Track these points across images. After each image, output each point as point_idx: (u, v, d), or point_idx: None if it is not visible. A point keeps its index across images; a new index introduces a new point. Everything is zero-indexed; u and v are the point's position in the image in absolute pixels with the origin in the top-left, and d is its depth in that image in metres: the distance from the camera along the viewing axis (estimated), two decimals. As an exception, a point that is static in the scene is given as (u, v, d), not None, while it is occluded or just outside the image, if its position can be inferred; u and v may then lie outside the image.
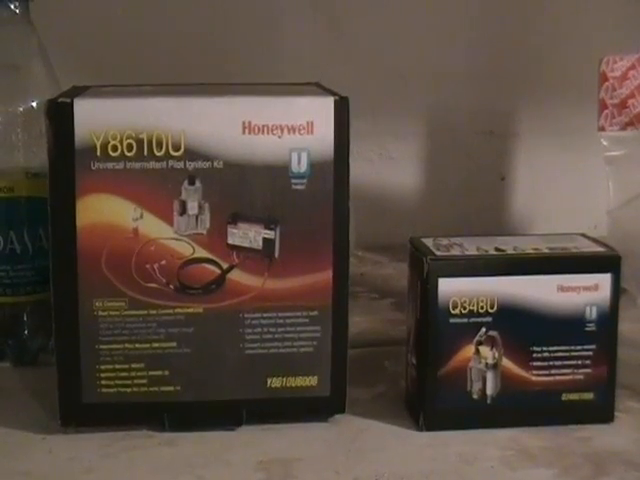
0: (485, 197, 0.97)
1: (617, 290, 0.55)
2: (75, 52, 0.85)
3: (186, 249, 0.54)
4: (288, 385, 0.55)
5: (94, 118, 0.52)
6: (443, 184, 0.97)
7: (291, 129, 0.53)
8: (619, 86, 0.71)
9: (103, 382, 0.54)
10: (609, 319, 0.55)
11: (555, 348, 0.55)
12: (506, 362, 0.55)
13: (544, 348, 0.55)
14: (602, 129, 0.72)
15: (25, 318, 0.64)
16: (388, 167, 0.96)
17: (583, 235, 0.59)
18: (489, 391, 0.55)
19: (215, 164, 0.53)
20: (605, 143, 0.71)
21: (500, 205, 0.98)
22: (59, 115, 0.52)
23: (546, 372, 0.55)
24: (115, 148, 0.52)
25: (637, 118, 0.70)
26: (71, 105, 0.52)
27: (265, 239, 0.54)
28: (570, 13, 0.95)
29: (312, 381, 0.55)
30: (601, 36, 0.92)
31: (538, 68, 0.95)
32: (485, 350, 0.55)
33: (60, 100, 0.52)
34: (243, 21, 0.91)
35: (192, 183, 0.53)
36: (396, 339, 0.63)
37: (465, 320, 0.54)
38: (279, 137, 0.53)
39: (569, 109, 0.93)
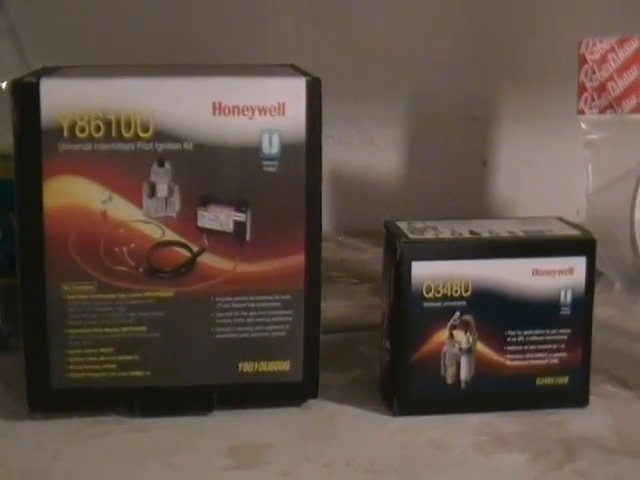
0: (467, 182, 0.96)
1: (592, 274, 0.55)
2: (47, 33, 0.84)
3: (156, 232, 0.53)
4: (260, 370, 0.55)
5: (61, 98, 0.51)
6: (425, 169, 0.96)
7: (262, 110, 0.52)
8: (598, 69, 0.70)
9: (71, 367, 0.53)
10: (584, 303, 0.55)
11: (530, 332, 0.55)
12: (480, 346, 0.54)
13: (519, 332, 0.54)
14: (581, 112, 0.71)
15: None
16: (370, 152, 0.95)
17: (559, 218, 0.58)
18: (463, 376, 0.55)
19: (185, 146, 0.52)
20: (584, 126, 0.71)
21: (482, 190, 0.97)
22: (25, 95, 0.51)
23: (521, 356, 0.55)
24: (82, 129, 0.51)
25: (616, 101, 0.70)
26: (37, 85, 0.51)
27: (236, 222, 0.53)
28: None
29: (284, 366, 0.55)
30: (581, 20, 0.91)
31: (519, 53, 0.94)
32: (459, 334, 0.54)
33: (26, 80, 0.51)
34: (221, 1, 0.90)
35: (161, 165, 0.52)
36: (373, 324, 0.62)
37: (439, 304, 0.54)
38: (250, 118, 0.52)
39: (550, 93, 0.92)
